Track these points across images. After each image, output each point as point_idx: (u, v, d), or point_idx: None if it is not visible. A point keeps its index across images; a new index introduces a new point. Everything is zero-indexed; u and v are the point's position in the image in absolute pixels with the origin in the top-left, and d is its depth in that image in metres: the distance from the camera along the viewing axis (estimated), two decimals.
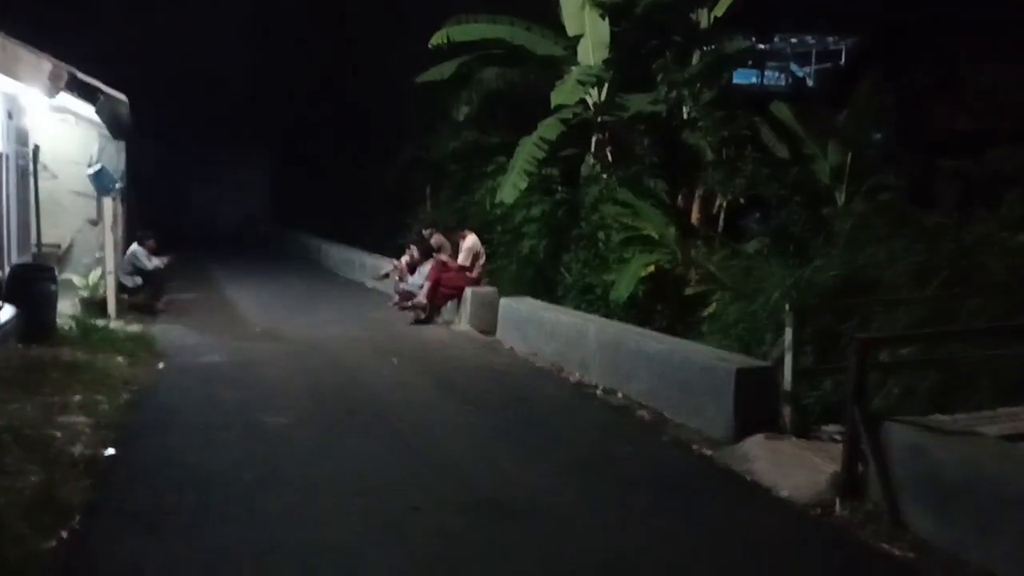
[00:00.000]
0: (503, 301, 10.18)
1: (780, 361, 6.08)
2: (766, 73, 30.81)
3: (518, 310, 9.72)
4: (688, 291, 11.10)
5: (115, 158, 17.82)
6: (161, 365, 8.09)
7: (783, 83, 30.97)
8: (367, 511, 4.58)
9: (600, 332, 7.97)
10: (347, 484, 4.98)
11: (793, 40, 32.00)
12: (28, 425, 5.52)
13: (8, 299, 8.14)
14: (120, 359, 8.00)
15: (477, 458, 5.58)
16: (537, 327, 9.13)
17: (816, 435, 5.80)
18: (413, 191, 18.99)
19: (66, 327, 8.68)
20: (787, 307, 5.93)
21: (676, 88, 11.30)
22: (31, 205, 14.89)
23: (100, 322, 9.54)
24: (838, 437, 5.66)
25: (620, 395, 7.31)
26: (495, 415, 6.72)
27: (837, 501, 4.66)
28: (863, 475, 4.68)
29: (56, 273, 8.26)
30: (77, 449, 5.36)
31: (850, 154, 10.53)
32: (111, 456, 5.37)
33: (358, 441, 5.88)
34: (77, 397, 6.51)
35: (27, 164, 14.57)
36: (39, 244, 15.17)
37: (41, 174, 15.06)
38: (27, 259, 14.51)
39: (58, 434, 5.53)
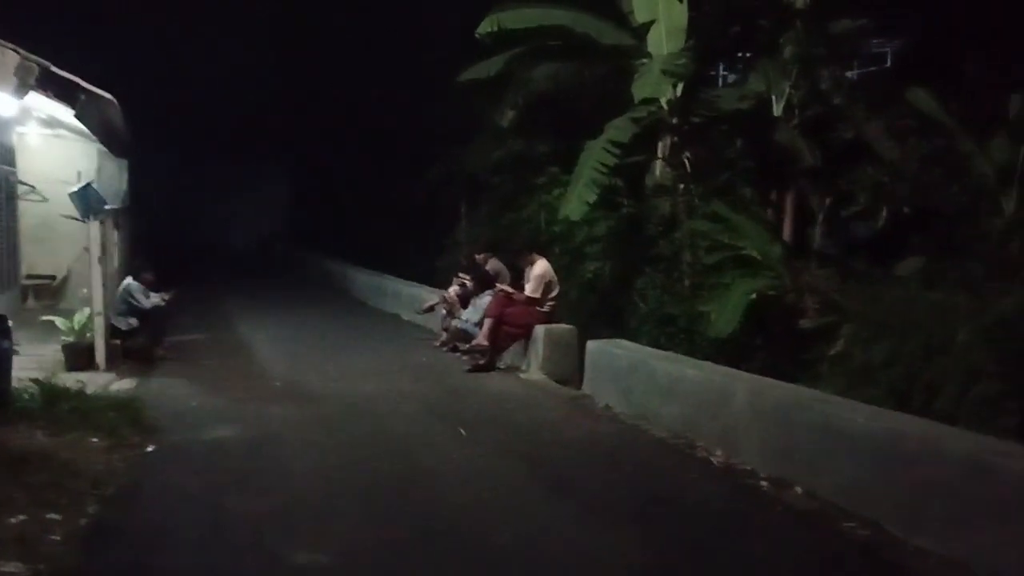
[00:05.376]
0: (592, 345, 7.94)
1: None
2: None
3: (616, 357, 7.48)
4: (805, 324, 9.04)
5: (116, 177, 15.83)
6: (151, 448, 5.91)
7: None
8: None
9: (755, 395, 5.75)
10: None
11: None
12: None
13: None
14: (95, 440, 5.85)
15: None
16: (647, 381, 6.91)
17: None
18: (447, 208, 16.97)
19: (27, 393, 6.51)
20: None
21: (810, 69, 9.10)
22: (18, 232, 12.97)
23: (79, 379, 7.39)
24: None
25: (799, 490, 5.08)
26: (639, 534, 4.49)
27: None
28: None
29: (8, 323, 6.12)
30: None
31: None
32: None
33: None
34: (17, 518, 4.37)
35: (13, 186, 12.65)
36: (29, 276, 13.29)
37: (29, 196, 13.14)
38: (13, 294, 12.56)
39: None
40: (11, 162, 12.48)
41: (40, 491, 4.74)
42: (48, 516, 4.43)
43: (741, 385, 5.92)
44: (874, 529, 4.49)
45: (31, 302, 12.94)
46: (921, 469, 4.38)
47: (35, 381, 6.59)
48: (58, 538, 4.20)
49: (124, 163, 16.27)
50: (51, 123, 12.66)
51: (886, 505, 4.53)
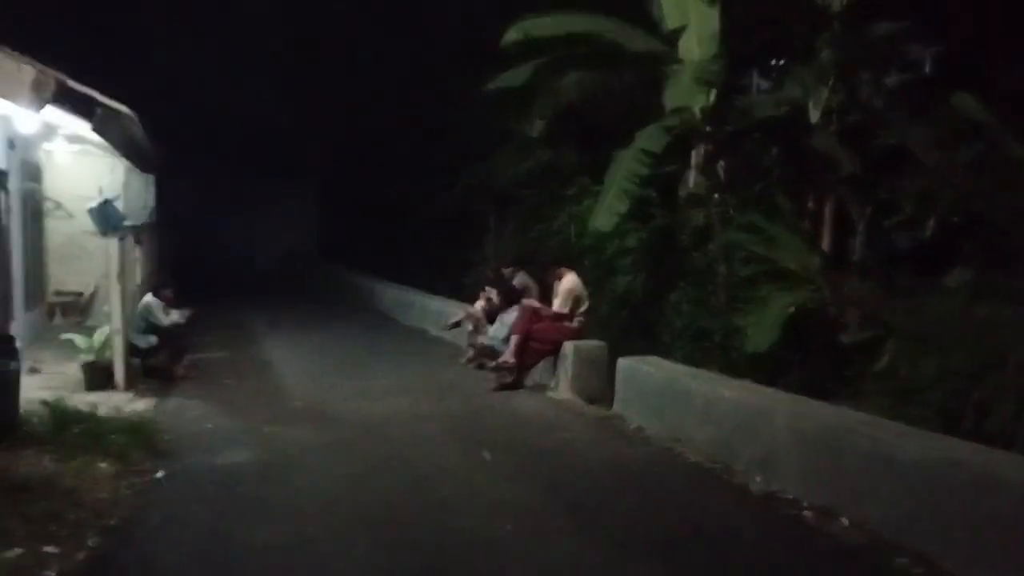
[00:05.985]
0: (623, 362, 7.60)
1: None
2: None
3: (648, 376, 7.14)
4: (846, 339, 8.62)
5: (143, 193, 15.78)
6: (160, 473, 5.68)
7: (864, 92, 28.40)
8: None
9: (797, 417, 5.38)
10: None
11: None
12: None
13: None
14: (104, 465, 5.63)
15: None
16: (680, 402, 6.56)
17: None
18: (473, 222, 16.70)
19: (37, 416, 6.31)
20: None
21: (849, 74, 8.75)
22: (45, 249, 12.93)
23: (93, 401, 7.21)
24: None
25: (845, 522, 4.71)
26: (670, 569, 4.16)
27: None
28: None
29: (15, 344, 5.93)
30: None
31: None
32: None
33: None
34: (14, 552, 4.15)
35: (39, 203, 12.61)
36: (56, 293, 13.24)
37: (55, 213, 13.11)
38: (40, 311, 12.49)
39: None
40: (37, 179, 12.45)
41: (40, 522, 4.52)
42: (45, 549, 4.21)
43: (782, 407, 5.56)
44: (929, 566, 4.13)
45: (58, 319, 12.87)
46: (979, 500, 4.01)
47: (45, 403, 6.39)
48: (53, 574, 3.97)
49: (151, 179, 16.23)
50: (78, 139, 12.60)
51: (942, 539, 4.16)
